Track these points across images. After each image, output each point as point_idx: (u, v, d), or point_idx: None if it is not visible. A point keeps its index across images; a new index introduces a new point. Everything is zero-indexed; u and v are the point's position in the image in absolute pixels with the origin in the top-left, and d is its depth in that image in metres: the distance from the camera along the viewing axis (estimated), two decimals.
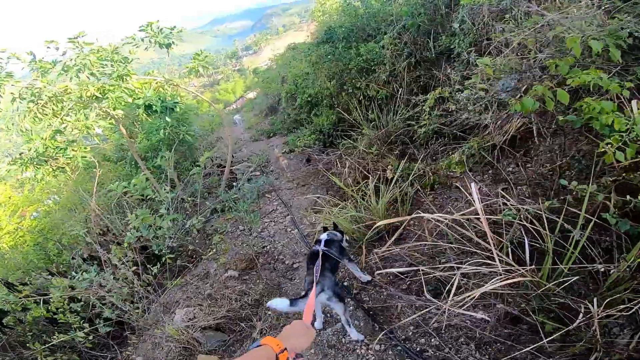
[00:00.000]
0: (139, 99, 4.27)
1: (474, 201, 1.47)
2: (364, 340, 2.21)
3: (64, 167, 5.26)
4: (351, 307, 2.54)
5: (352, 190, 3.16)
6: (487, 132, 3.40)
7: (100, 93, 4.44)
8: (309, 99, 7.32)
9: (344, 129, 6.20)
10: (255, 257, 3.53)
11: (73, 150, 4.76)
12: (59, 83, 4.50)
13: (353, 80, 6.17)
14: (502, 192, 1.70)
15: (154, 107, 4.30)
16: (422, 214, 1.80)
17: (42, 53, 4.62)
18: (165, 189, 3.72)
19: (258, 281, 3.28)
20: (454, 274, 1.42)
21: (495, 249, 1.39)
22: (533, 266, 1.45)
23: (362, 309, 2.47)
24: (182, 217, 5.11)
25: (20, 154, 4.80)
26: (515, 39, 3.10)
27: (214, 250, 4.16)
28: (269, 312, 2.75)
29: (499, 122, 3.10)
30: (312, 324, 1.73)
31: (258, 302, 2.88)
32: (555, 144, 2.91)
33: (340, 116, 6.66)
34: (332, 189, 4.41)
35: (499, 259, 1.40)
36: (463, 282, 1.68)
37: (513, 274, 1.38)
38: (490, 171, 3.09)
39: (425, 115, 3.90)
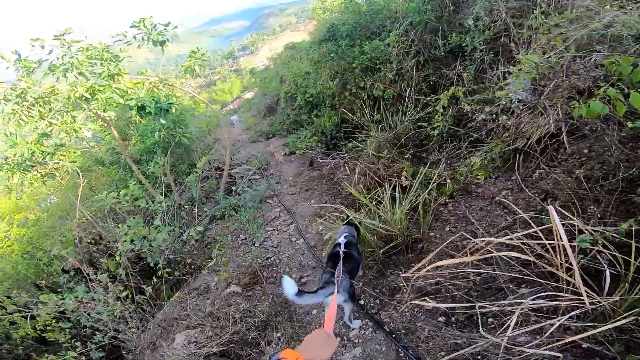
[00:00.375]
0: (130, 99, 3.98)
1: (558, 230, 1.22)
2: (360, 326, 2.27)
3: (52, 173, 4.96)
4: (370, 329, 2.30)
5: (365, 197, 2.90)
6: (507, 134, 3.18)
7: (89, 94, 4.16)
8: (310, 99, 7.06)
9: (348, 130, 5.96)
10: (259, 271, 3.27)
11: (61, 154, 4.47)
12: (45, 83, 4.22)
13: (357, 80, 5.93)
14: (579, 221, 1.46)
15: (147, 108, 4.02)
16: (472, 239, 1.55)
17: (29, 52, 4.34)
18: (160, 198, 3.44)
19: (263, 298, 3.02)
20: (510, 306, 1.17)
21: (565, 275, 1.15)
22: (616, 297, 1.22)
23: (382, 331, 2.22)
24: (179, 224, 4.84)
25: (5, 159, 4.50)
26: (545, 37, 2.88)
27: (214, 261, 3.89)
28: (279, 335, 2.49)
29: (523, 124, 2.86)
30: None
31: (265, 323, 2.62)
32: (584, 148, 2.69)
33: (344, 117, 6.42)
34: (340, 196, 4.15)
35: (566, 286, 1.17)
36: (510, 312, 1.44)
37: (592, 306, 1.15)
38: (513, 177, 2.86)
39: (438, 116, 3.66)
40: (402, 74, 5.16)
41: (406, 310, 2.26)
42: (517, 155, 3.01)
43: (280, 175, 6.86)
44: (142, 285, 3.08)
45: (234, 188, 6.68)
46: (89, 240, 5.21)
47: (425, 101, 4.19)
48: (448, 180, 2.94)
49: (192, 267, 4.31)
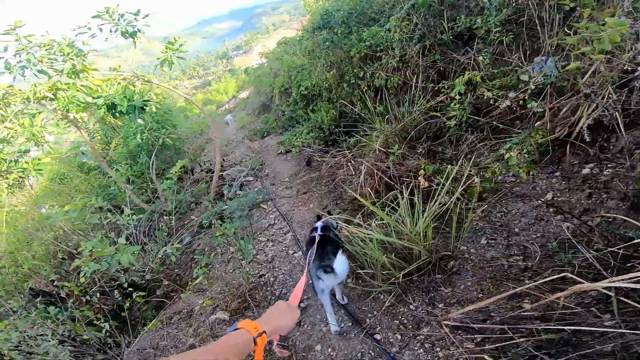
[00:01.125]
0: (98, 97, 3.45)
1: None
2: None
3: (19, 182, 4.43)
4: None
5: (375, 204, 2.39)
6: (541, 122, 2.67)
7: (52, 93, 3.63)
8: (306, 92, 6.53)
9: (348, 125, 5.46)
10: (249, 295, 2.76)
11: (25, 162, 3.94)
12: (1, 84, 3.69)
13: (355, 70, 5.43)
14: None
15: (118, 107, 3.49)
16: (583, 283, 1.05)
17: None
18: (127, 210, 2.91)
19: None
20: None
21: None
22: None
23: None
24: (162, 235, 4.32)
25: None
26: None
27: (199, 280, 3.38)
28: None
29: (565, 110, 2.36)
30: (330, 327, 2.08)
31: None
32: None
33: (342, 111, 5.92)
34: (342, 199, 3.64)
35: None
36: None
37: None
38: (557, 173, 2.35)
39: (455, 104, 3.15)
40: (406, 60, 4.66)
41: (437, 347, 1.76)
42: (557, 148, 2.51)
43: (275, 176, 6.33)
44: (104, 324, 2.55)
45: (225, 191, 6.16)
46: (62, 255, 4.68)
47: (436, 88, 3.68)
48: (476, 180, 2.42)
49: (177, 283, 3.80)
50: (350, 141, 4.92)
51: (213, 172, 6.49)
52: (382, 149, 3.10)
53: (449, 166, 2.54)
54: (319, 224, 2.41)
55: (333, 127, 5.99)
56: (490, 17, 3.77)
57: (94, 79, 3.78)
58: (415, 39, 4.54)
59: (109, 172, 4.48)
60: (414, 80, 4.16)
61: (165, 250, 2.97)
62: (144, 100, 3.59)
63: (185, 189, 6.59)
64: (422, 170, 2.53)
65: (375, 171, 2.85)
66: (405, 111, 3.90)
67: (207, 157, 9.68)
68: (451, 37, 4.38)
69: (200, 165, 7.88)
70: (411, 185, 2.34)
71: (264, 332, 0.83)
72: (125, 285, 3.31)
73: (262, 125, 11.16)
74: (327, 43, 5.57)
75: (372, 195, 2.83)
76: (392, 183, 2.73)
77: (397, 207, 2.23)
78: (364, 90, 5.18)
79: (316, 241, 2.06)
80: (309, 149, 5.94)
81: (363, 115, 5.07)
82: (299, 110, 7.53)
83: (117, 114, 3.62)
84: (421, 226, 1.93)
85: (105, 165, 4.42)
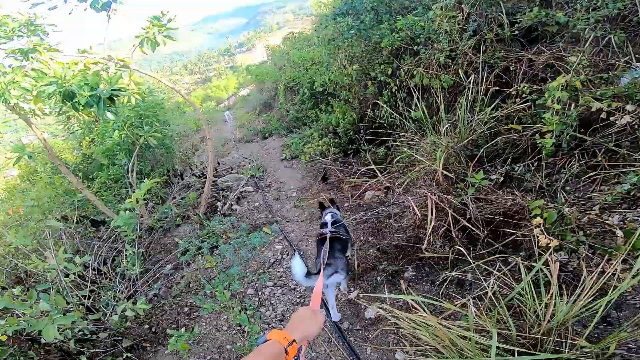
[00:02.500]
0: (49, 84, 2.49)
1: None
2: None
3: None
4: None
5: (449, 263, 1.43)
6: None
7: None
8: (321, 88, 5.56)
9: (372, 131, 4.52)
10: None
11: None
12: None
13: (384, 65, 4.51)
14: None
15: (77, 96, 2.53)
16: None
17: None
18: (54, 260, 1.94)
19: None
20: None
21: None
22: None
23: None
24: (136, 260, 3.33)
25: None
26: None
27: (174, 342, 2.40)
28: None
29: None
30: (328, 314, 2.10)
31: None
32: None
33: (364, 113, 4.98)
34: (380, 236, 2.67)
35: None
36: None
37: None
38: None
39: (551, 115, 2.22)
40: (455, 57, 3.74)
41: None
42: None
43: (279, 188, 5.37)
44: None
45: (219, 204, 5.19)
46: (3, 284, 3.66)
47: (512, 92, 2.76)
48: (618, 233, 1.48)
49: (151, 333, 2.82)
50: (378, 153, 3.98)
51: (206, 178, 5.52)
52: (446, 174, 2.14)
53: (566, 208, 1.60)
54: (328, 218, 2.34)
55: (352, 133, 5.06)
56: (594, 10, 2.85)
57: (45, 62, 2.82)
58: (469, 32, 3.63)
59: (71, 179, 3.48)
60: (470, 81, 3.24)
61: (125, 310, 2.00)
62: (112, 90, 2.61)
63: (172, 196, 5.61)
64: (538, 217, 1.55)
65: (446, 207, 1.88)
66: (460, 119, 2.97)
67: (201, 158, 8.69)
68: (515, 31, 3.48)
69: (192, 169, 6.89)
70: (519, 239, 1.41)
71: (294, 340, 0.79)
72: (72, 345, 2.33)
73: (264, 125, 10.20)
74: (353, 32, 4.64)
75: (440, 244, 1.88)
76: (479, 231, 1.77)
77: (503, 275, 1.29)
78: (394, 90, 4.27)
79: (327, 239, 2.02)
80: (322, 158, 4.98)
81: (392, 120, 4.15)
82: (308, 110, 6.58)
83: (77, 106, 2.64)
84: (565, 315, 0.98)
85: (65, 170, 3.42)
